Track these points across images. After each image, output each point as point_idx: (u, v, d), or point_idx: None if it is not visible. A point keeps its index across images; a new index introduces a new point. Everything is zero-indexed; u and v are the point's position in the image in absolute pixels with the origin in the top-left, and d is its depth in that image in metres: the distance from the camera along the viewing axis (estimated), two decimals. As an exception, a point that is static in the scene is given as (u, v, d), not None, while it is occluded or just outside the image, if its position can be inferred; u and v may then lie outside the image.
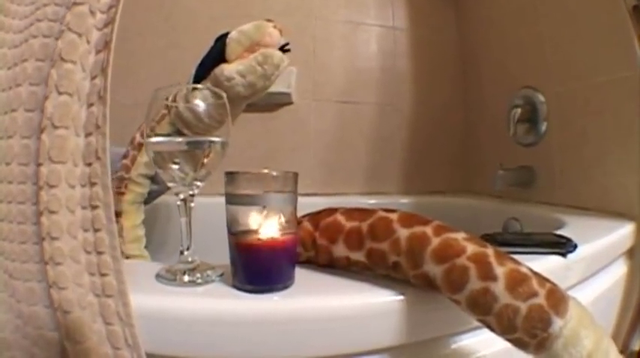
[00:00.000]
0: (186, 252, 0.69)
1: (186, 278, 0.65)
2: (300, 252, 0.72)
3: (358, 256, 0.66)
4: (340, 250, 0.68)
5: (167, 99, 0.73)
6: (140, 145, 0.98)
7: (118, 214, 0.97)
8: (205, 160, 0.69)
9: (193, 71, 1.00)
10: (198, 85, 0.83)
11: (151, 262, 0.94)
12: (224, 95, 0.72)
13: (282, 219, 0.62)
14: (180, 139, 0.71)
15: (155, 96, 0.70)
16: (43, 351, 0.51)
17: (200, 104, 0.74)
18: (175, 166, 0.68)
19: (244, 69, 0.93)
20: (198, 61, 0.99)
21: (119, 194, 0.98)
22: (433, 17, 2.11)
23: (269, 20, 0.93)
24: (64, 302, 0.49)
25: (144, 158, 0.93)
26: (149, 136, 0.68)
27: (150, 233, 1.24)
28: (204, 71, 0.97)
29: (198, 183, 0.69)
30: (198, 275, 0.66)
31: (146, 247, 1.04)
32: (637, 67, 1.22)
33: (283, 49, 0.99)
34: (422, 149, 2.06)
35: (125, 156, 1.01)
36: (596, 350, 0.55)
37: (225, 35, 0.96)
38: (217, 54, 0.95)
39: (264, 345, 0.58)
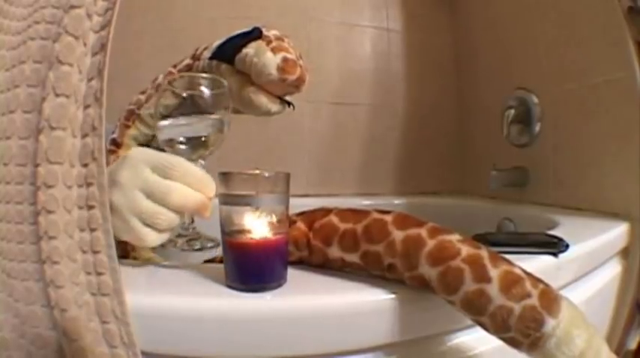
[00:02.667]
0: (186, 222, 0.73)
1: (183, 242, 0.71)
2: (293, 252, 0.72)
3: (353, 258, 0.67)
4: (335, 251, 0.68)
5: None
6: (159, 86, 0.97)
7: (118, 145, 0.98)
8: (208, 139, 0.77)
9: (215, 45, 0.99)
10: (203, 74, 0.84)
11: (148, 262, 0.94)
12: (225, 84, 0.78)
13: (274, 219, 0.63)
14: (183, 121, 0.75)
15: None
16: (40, 350, 0.52)
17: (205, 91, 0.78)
18: (182, 146, 0.75)
19: (235, 95, 0.93)
20: (223, 40, 0.98)
21: (125, 127, 0.99)
22: (427, 19, 2.12)
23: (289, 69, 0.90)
24: (61, 301, 0.50)
25: (161, 100, 0.92)
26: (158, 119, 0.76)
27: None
28: (219, 54, 0.97)
29: (202, 162, 0.76)
30: (196, 242, 0.69)
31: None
32: (631, 68, 1.23)
33: (285, 100, 0.98)
34: (416, 150, 2.07)
35: (142, 92, 1.02)
36: (588, 349, 0.56)
37: (258, 32, 0.93)
38: (231, 52, 0.94)
39: (257, 344, 0.59)
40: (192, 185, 0.67)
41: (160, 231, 0.67)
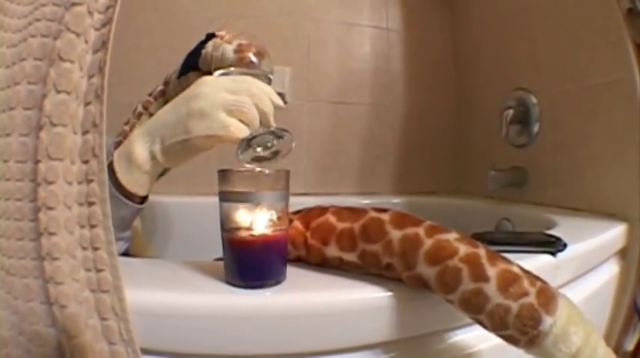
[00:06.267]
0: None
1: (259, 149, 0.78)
2: (290, 251, 0.72)
3: (351, 257, 0.67)
4: (332, 251, 0.68)
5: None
6: (140, 115, 1.06)
7: None
8: None
9: (179, 65, 1.06)
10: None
11: (147, 259, 0.95)
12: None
13: (274, 216, 0.63)
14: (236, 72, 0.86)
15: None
16: (39, 347, 0.52)
17: None
18: None
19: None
20: (184, 58, 1.04)
21: None
22: (427, 19, 2.12)
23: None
24: (60, 297, 0.50)
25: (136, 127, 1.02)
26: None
27: (149, 233, 1.25)
28: (184, 68, 1.03)
29: None
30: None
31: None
32: (630, 69, 1.23)
33: None
34: (414, 149, 2.07)
35: (126, 123, 1.08)
36: (585, 346, 0.57)
37: (212, 34, 0.99)
38: (193, 60, 1.01)
39: (256, 340, 0.59)
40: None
41: (244, 122, 0.75)
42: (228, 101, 0.73)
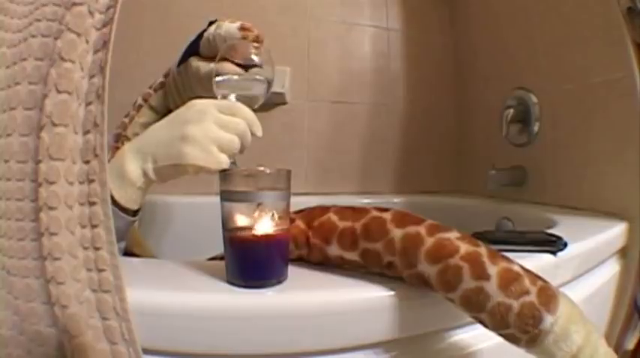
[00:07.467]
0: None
1: None
2: (292, 250, 0.72)
3: (352, 256, 0.67)
4: (334, 250, 0.68)
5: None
6: (140, 107, 1.10)
7: None
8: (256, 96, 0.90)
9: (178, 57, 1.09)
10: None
11: (148, 259, 0.95)
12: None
13: (276, 216, 0.63)
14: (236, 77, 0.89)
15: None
16: (40, 347, 0.52)
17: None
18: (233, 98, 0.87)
19: (204, 76, 1.04)
20: (189, 41, 1.08)
21: (115, 149, 1.05)
22: (427, 18, 2.12)
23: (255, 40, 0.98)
24: (62, 297, 0.50)
25: (141, 119, 1.08)
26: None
27: (149, 232, 1.24)
28: (185, 56, 1.07)
29: None
30: None
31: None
32: (630, 68, 1.23)
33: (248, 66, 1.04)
34: (415, 149, 2.07)
35: (126, 116, 1.11)
36: (586, 345, 0.57)
37: (213, 20, 1.03)
38: (194, 47, 1.04)
39: (257, 340, 0.59)
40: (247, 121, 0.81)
41: (228, 155, 0.78)
42: (222, 140, 0.76)
